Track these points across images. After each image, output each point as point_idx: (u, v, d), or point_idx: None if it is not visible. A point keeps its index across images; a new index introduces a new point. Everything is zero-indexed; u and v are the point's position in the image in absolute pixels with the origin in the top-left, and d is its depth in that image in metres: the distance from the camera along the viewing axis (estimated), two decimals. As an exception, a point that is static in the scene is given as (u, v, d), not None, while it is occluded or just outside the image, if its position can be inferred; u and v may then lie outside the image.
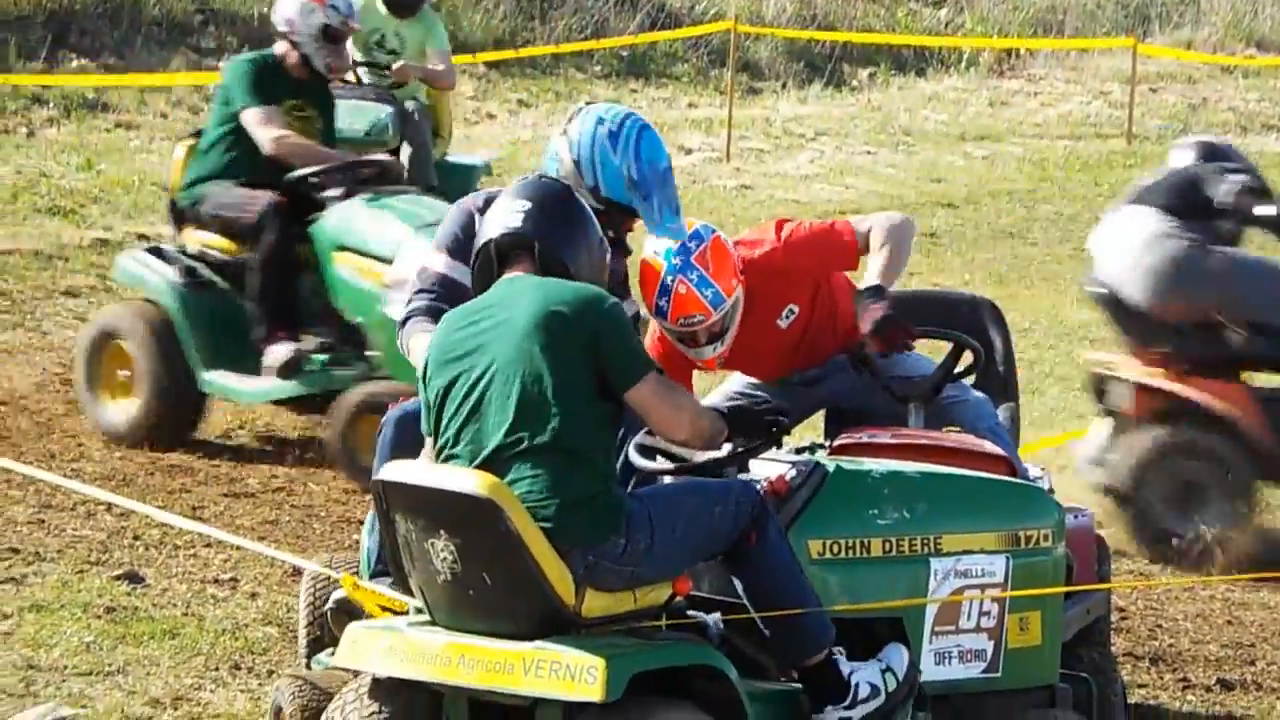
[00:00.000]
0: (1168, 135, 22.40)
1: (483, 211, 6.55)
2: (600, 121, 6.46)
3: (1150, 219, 9.64)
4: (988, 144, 21.63)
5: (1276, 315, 9.62)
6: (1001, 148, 21.55)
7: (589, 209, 5.85)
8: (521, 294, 5.61)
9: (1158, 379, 9.54)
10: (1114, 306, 9.79)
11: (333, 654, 6.34)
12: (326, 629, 6.45)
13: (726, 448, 5.87)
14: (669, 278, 6.61)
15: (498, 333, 5.57)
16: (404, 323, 6.51)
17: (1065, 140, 22.00)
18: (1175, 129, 22.41)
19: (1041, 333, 13.75)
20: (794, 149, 20.77)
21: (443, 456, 5.60)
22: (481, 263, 5.76)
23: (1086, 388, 10.14)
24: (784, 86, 23.17)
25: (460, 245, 6.51)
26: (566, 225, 5.73)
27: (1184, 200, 9.66)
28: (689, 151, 20.13)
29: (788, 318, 7.02)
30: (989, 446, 6.69)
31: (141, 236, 15.12)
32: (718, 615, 5.72)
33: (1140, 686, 7.68)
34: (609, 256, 5.90)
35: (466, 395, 5.57)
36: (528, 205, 5.72)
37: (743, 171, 19.64)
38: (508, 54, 21.24)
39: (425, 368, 5.70)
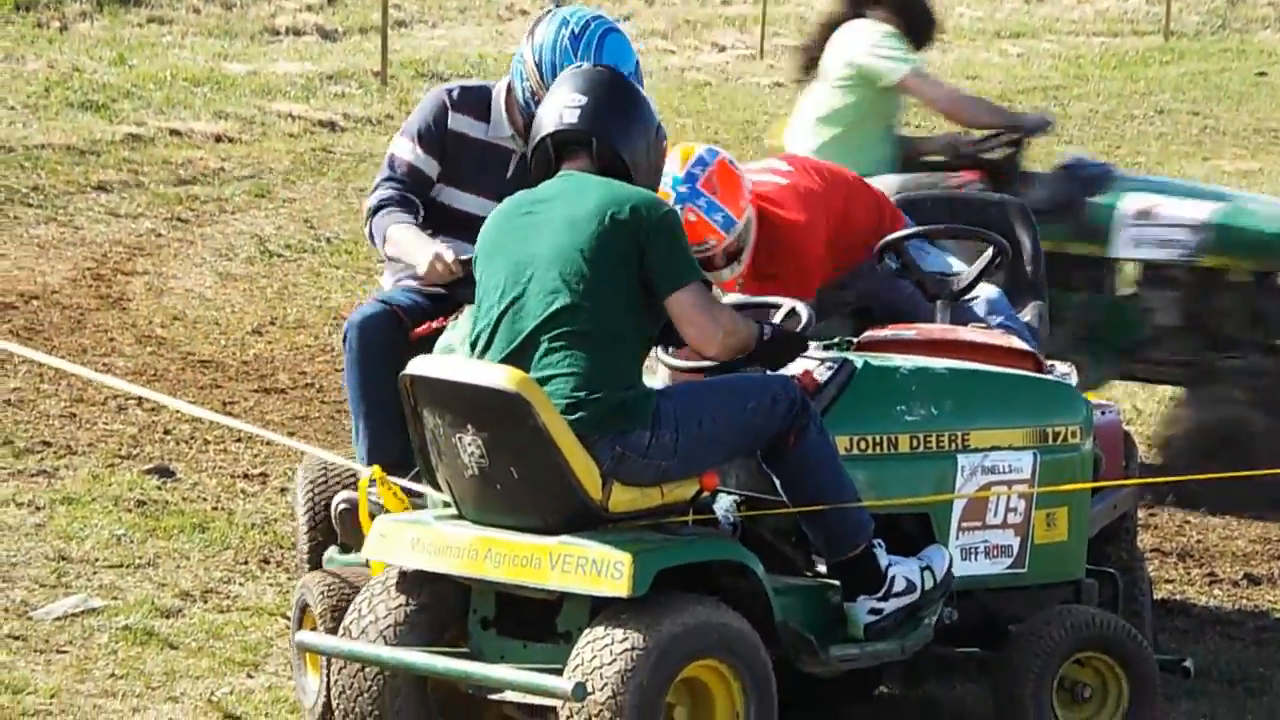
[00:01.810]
0: (1205, 32, 22.23)
1: (456, 105, 6.54)
2: (564, 24, 6.40)
3: None
4: (1023, 41, 21.47)
5: None
6: (1037, 45, 21.39)
7: (644, 95, 5.78)
8: (577, 191, 5.58)
9: None
10: None
11: (342, 551, 6.36)
12: (330, 527, 6.45)
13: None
14: (677, 206, 6.53)
15: (549, 229, 5.55)
16: (375, 211, 6.47)
17: (1101, 37, 21.82)
18: (1214, 25, 22.22)
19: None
20: (828, 45, 20.59)
21: (480, 344, 5.60)
22: (538, 157, 5.71)
23: None
24: (818, -18, 23.01)
25: (430, 134, 6.50)
26: (623, 118, 5.65)
27: None
28: (722, 49, 20.03)
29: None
30: (1015, 342, 6.67)
31: (174, 132, 15.14)
32: (729, 503, 5.71)
33: (1168, 582, 7.69)
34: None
35: (509, 287, 5.56)
36: (583, 99, 5.66)
37: (776, 69, 19.53)
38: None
39: (475, 259, 5.67)
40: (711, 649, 5.39)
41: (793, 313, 5.90)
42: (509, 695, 5.46)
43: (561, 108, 5.67)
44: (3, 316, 10.70)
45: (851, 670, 5.79)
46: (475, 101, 6.59)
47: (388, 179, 6.52)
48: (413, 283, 6.51)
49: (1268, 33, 22.15)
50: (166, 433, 9.01)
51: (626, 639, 5.29)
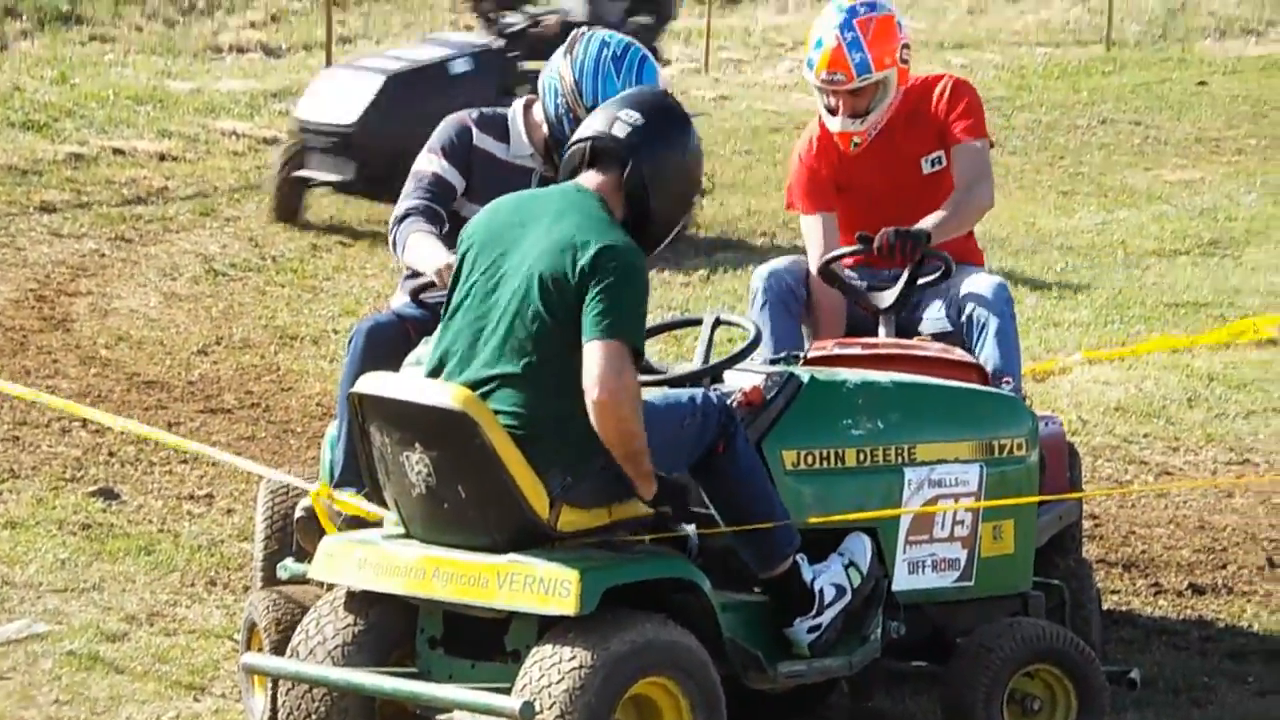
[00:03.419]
0: (1146, 42, 22.36)
1: (479, 125, 6.62)
2: (605, 44, 6.53)
3: None
4: (966, 52, 21.56)
5: None
6: (980, 55, 21.48)
7: (697, 135, 5.75)
8: (564, 215, 5.50)
9: None
10: None
11: (297, 560, 6.35)
12: (286, 539, 6.45)
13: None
14: (826, 30, 6.81)
15: (523, 248, 5.50)
16: (400, 220, 6.55)
17: (1044, 47, 21.93)
18: (1154, 35, 22.35)
19: (1019, 241, 13.74)
20: (774, 59, 20.69)
21: (443, 361, 5.55)
22: (570, 156, 5.66)
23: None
24: (763, -5, 23.06)
25: (454, 149, 6.60)
26: (666, 150, 5.59)
27: None
28: (668, 62, 20.00)
29: (934, 165, 7.05)
30: (960, 354, 6.68)
31: (117, 151, 15.07)
32: (694, 527, 5.71)
33: (1113, 592, 7.71)
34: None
35: (477, 304, 5.52)
36: (639, 118, 5.60)
37: (721, 82, 19.58)
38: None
39: (461, 251, 5.64)
40: (660, 666, 5.38)
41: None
42: (457, 715, 5.44)
43: (615, 118, 5.61)
44: (-55, 339, 10.64)
45: (800, 685, 5.79)
46: (494, 123, 6.71)
47: (413, 191, 6.61)
48: (419, 295, 6.57)
49: (1208, 42, 22.28)
50: (111, 455, 8.96)
51: (574, 657, 5.28)
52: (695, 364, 5.97)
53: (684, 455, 5.64)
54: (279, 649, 5.85)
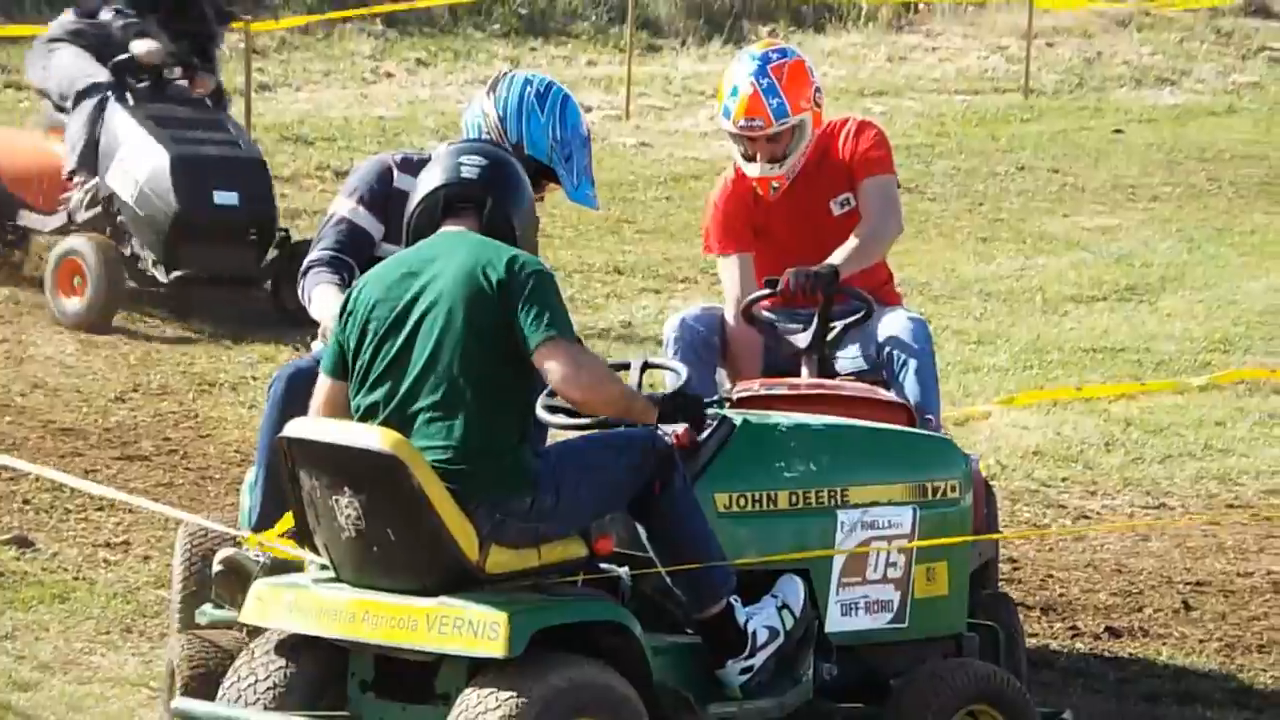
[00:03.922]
0: (1063, 90, 22.51)
1: (400, 167, 6.59)
2: (528, 83, 6.59)
3: None
4: (886, 99, 21.62)
5: None
6: (900, 103, 21.56)
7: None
8: (455, 250, 5.55)
9: None
10: None
11: (216, 607, 6.26)
12: (204, 584, 6.37)
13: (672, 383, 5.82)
14: (741, 78, 6.90)
15: (427, 289, 5.51)
16: (305, 271, 6.53)
17: (963, 95, 22.04)
18: (1071, 83, 22.52)
19: (939, 287, 13.76)
20: (694, 106, 20.69)
21: (360, 408, 5.52)
22: (424, 209, 5.68)
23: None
24: (683, 43, 23.09)
25: (372, 194, 6.58)
26: (515, 187, 5.69)
27: None
28: (589, 109, 19.97)
29: (843, 207, 7.08)
30: (886, 394, 6.68)
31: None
32: (627, 569, 5.66)
33: (1031, 635, 7.72)
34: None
35: (387, 349, 5.51)
36: (482, 161, 5.68)
37: (643, 129, 19.57)
38: (403, 6, 21.07)
39: (347, 314, 5.60)
40: (589, 709, 5.34)
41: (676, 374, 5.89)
42: (388, 760, 5.38)
43: (458, 165, 5.66)
44: None
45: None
46: (417, 165, 6.66)
47: (322, 240, 6.62)
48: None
49: (1123, 91, 22.45)
50: (26, 502, 8.84)
51: (503, 699, 5.24)
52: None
53: (622, 494, 5.61)
54: (198, 694, 5.76)
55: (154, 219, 11.67)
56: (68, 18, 12.41)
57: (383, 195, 6.59)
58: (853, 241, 6.96)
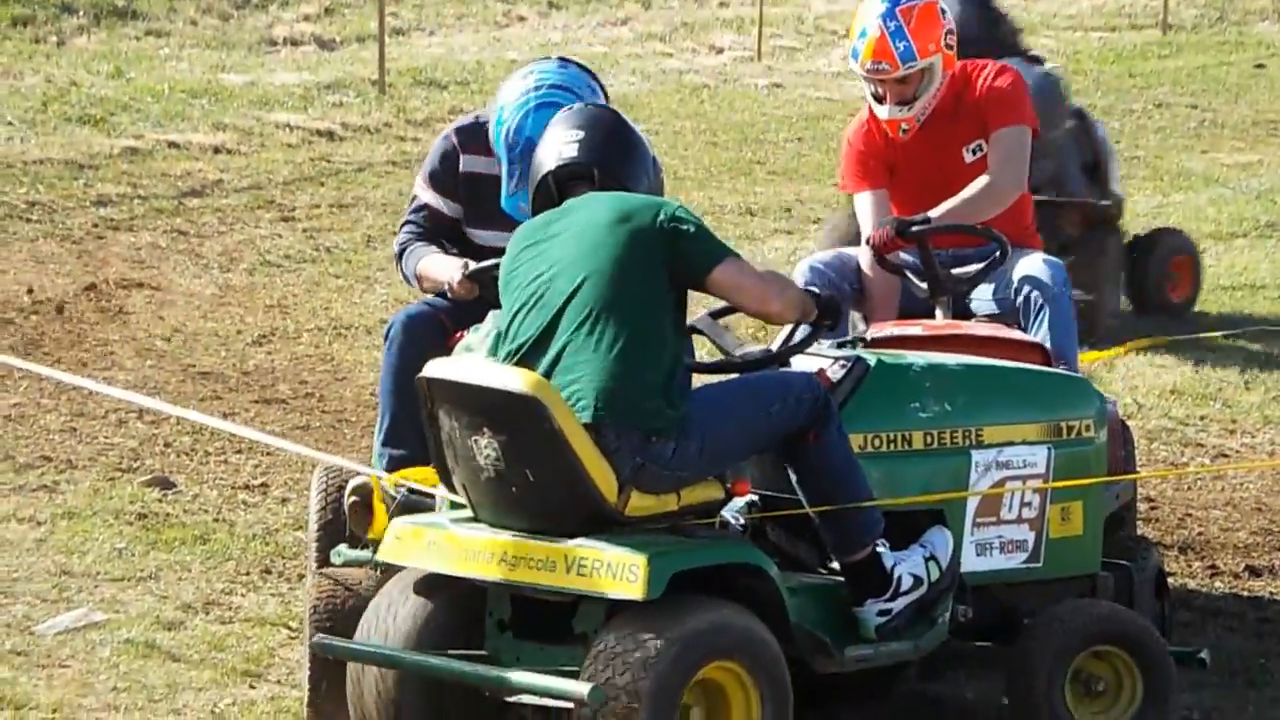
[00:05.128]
0: (1202, 25, 22.19)
1: (463, 148, 6.63)
2: (526, 75, 6.58)
3: None
4: (1022, 37, 21.42)
5: None
6: (1035, 40, 21.30)
7: (639, 130, 5.85)
8: (591, 205, 5.61)
9: None
10: None
11: (351, 547, 6.32)
12: (340, 525, 6.44)
13: (801, 332, 5.82)
14: (870, 20, 6.89)
15: (568, 237, 5.55)
16: (399, 257, 6.68)
17: (1099, 32, 21.79)
18: (1211, 18, 22.19)
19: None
20: (826, 46, 20.60)
21: (507, 351, 5.57)
22: (541, 196, 5.75)
23: None
24: (815, -17, 22.96)
25: (439, 176, 6.68)
26: (621, 148, 5.72)
27: None
28: (719, 51, 19.98)
29: (975, 154, 7.05)
30: (1020, 334, 6.63)
31: (172, 145, 15.09)
32: (741, 504, 5.65)
33: (1169, 575, 7.65)
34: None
35: (532, 296, 5.56)
36: (580, 134, 5.71)
37: (774, 70, 19.50)
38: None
39: (501, 273, 5.69)
40: (727, 650, 5.35)
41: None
42: (525, 698, 5.41)
43: (560, 145, 5.71)
44: (3, 331, 10.65)
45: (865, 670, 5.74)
46: (477, 138, 6.72)
47: (407, 222, 6.76)
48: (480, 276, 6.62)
49: (1265, 24, 22.11)
50: (167, 445, 8.95)
51: (641, 641, 5.25)
52: (759, 348, 5.93)
53: (763, 439, 5.60)
54: (334, 633, 5.82)
55: None
56: None
57: (451, 179, 6.68)
58: (965, 192, 6.90)
